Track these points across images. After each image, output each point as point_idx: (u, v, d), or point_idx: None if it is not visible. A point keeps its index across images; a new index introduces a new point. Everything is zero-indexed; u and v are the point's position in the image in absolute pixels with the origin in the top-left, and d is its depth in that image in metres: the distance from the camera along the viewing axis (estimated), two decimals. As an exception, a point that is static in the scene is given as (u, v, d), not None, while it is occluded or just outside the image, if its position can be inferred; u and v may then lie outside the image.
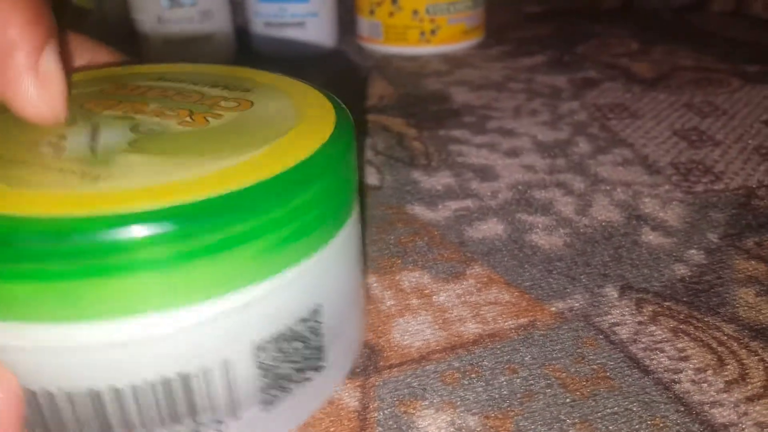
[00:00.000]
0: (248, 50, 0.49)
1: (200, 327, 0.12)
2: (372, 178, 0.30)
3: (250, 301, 0.13)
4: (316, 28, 0.47)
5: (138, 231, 0.11)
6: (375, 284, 0.22)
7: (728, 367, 0.18)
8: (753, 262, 0.23)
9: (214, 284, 0.12)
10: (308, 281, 0.14)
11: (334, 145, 0.14)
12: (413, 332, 0.20)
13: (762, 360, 0.18)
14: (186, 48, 0.44)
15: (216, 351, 0.13)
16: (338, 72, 0.45)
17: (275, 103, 0.16)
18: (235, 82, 0.18)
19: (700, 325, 0.20)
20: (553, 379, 0.18)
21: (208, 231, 0.11)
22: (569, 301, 0.21)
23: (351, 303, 0.16)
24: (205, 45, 0.45)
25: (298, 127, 0.15)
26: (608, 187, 0.28)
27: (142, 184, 0.12)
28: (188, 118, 0.15)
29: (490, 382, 0.18)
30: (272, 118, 0.15)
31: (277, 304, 0.13)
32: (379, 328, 0.20)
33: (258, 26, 0.48)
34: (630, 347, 0.19)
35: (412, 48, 0.47)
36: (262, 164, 0.13)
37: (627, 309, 0.20)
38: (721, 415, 0.16)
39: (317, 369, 0.15)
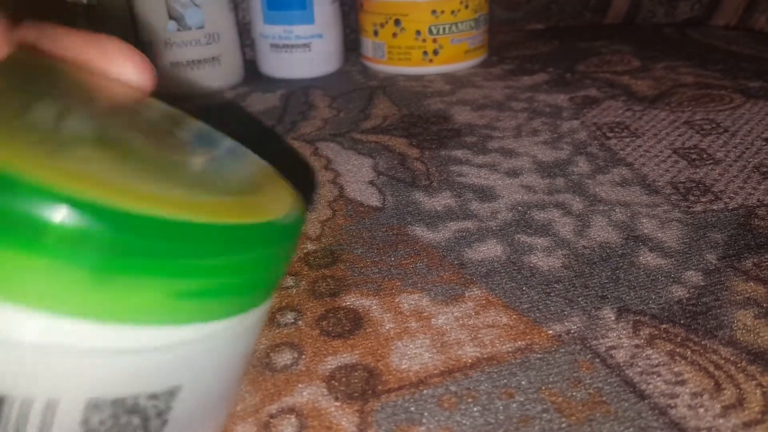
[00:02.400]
0: (255, 72, 0.50)
1: (46, 348, 0.11)
2: (374, 199, 0.30)
3: (122, 347, 0.11)
4: (322, 50, 0.48)
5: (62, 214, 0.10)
6: (375, 306, 0.22)
7: (725, 391, 0.18)
8: (751, 284, 0.23)
9: (100, 304, 0.11)
10: (184, 351, 0.12)
11: (289, 222, 0.14)
12: (411, 356, 0.20)
13: (759, 384, 0.18)
14: (194, 70, 0.45)
15: (46, 382, 0.11)
16: (343, 92, 0.45)
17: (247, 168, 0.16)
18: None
19: (697, 348, 0.20)
20: (549, 404, 0.18)
21: (135, 248, 0.10)
22: (567, 323, 0.21)
23: (215, 400, 0.14)
24: (213, 67, 0.46)
25: (263, 191, 0.14)
26: (606, 208, 0.28)
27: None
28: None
29: (487, 407, 0.18)
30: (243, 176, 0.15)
31: (138, 363, 0.12)
32: (378, 351, 0.20)
33: (264, 48, 0.49)
34: (626, 371, 0.19)
35: (415, 68, 0.48)
36: (227, 209, 0.12)
37: (624, 332, 0.21)
38: (716, 440, 0.17)
39: None
